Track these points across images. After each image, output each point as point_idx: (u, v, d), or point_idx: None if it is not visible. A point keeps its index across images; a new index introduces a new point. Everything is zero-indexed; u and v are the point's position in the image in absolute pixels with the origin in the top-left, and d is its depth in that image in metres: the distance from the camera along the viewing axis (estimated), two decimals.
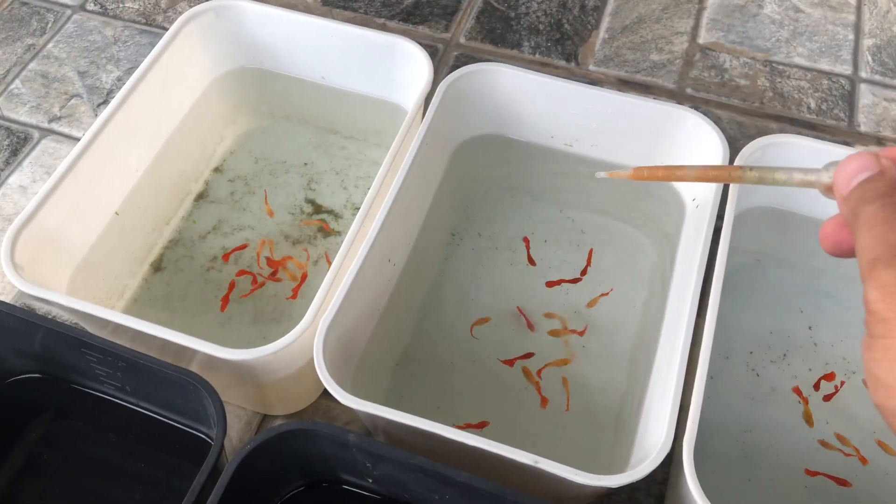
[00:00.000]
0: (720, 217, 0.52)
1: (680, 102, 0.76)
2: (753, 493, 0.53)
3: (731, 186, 0.52)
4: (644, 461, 0.41)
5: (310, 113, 0.66)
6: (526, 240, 0.61)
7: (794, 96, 0.76)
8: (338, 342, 0.47)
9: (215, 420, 0.41)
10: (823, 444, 0.54)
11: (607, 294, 0.59)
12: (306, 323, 0.45)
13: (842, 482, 0.52)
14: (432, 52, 0.79)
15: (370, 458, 0.42)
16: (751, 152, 0.53)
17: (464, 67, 0.57)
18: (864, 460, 0.53)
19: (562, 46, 0.79)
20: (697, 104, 0.75)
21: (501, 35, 0.80)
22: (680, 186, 0.60)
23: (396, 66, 0.59)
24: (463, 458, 0.43)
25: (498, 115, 0.60)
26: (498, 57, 0.78)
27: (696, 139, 0.55)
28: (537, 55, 0.78)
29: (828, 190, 0.33)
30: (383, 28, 0.80)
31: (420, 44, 0.59)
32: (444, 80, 0.55)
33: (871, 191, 0.28)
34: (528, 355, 0.57)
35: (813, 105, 0.75)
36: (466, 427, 0.53)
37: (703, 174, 0.37)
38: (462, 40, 0.79)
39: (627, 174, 0.38)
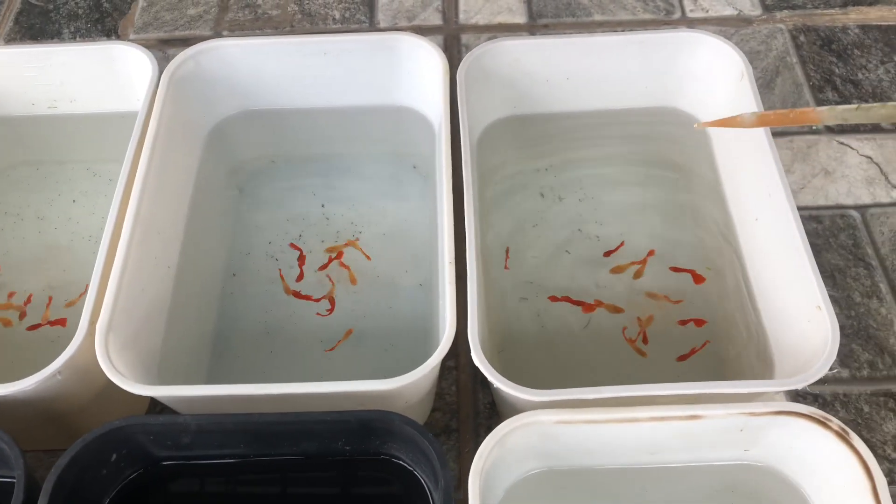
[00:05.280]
0: None
1: None
2: (275, 363, 0.58)
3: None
4: None
5: None
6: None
7: (321, 13, 0.82)
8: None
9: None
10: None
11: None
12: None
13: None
14: None
15: None
16: (177, 66, 0.58)
17: None
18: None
19: (102, 25, 0.82)
20: None
21: (41, 29, 0.81)
22: None
23: None
24: None
25: None
26: None
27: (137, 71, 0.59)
28: (78, 38, 0.81)
29: None
30: None
31: None
32: None
33: None
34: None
35: (338, 16, 0.81)
36: None
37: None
38: (1, 43, 0.81)
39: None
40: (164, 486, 0.46)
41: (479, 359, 0.44)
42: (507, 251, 0.60)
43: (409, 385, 0.44)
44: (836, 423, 0.41)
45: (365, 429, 0.43)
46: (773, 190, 0.51)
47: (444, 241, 0.49)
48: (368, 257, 0.61)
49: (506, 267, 0.60)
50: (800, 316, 0.46)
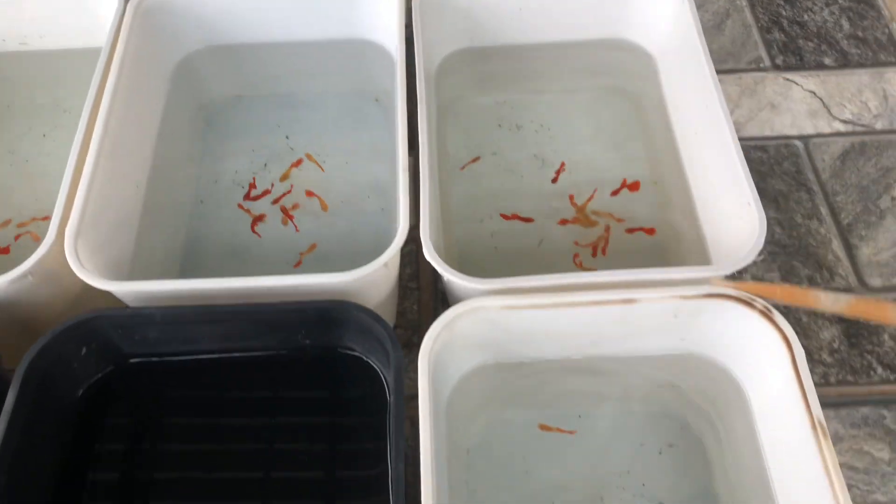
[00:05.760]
0: None
1: None
2: None
3: None
4: None
5: None
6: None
7: None
8: None
9: None
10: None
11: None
12: None
13: None
14: None
15: None
16: None
17: None
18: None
19: None
20: None
21: None
22: None
23: None
24: None
25: None
26: None
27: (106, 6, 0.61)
28: None
29: None
30: None
31: None
32: None
33: None
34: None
35: None
36: None
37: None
38: None
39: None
40: (133, 383, 0.49)
41: (429, 253, 0.47)
42: (469, 161, 0.64)
43: (365, 278, 0.46)
44: (760, 302, 0.44)
45: (323, 319, 0.46)
46: (709, 102, 0.54)
47: (399, 150, 0.51)
48: (321, 167, 0.64)
49: (462, 168, 0.63)
50: (732, 214, 0.49)
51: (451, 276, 0.46)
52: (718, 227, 0.51)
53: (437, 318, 0.44)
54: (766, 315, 0.44)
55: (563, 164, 0.63)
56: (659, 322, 0.47)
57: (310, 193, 0.63)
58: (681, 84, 0.60)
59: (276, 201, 0.63)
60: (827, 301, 0.37)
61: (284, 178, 0.63)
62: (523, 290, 0.45)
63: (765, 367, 0.45)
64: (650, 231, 0.59)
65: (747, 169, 0.49)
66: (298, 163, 0.64)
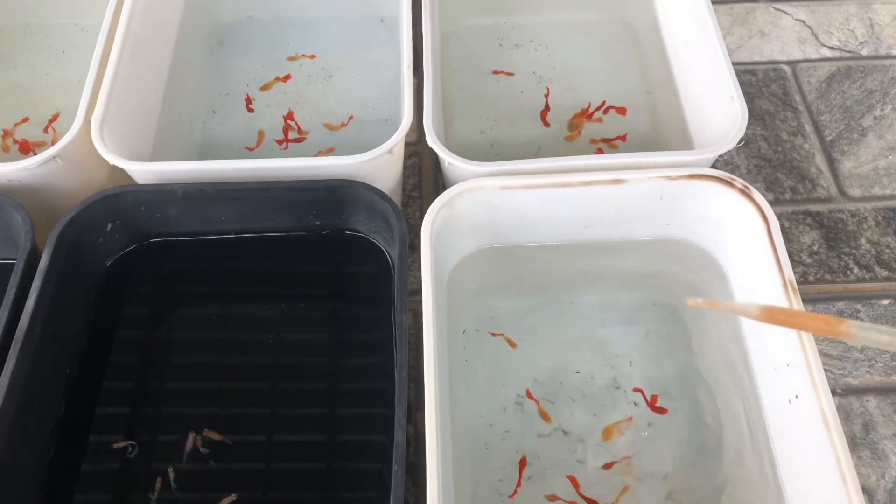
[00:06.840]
0: None
1: None
2: None
3: None
4: None
5: None
6: None
7: None
8: None
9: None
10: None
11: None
12: None
13: None
14: None
15: None
16: None
17: None
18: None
19: None
20: None
21: None
22: None
23: None
24: None
25: None
26: None
27: None
28: None
29: None
30: None
31: None
32: None
33: None
34: None
35: None
36: None
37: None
38: None
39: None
40: (155, 261, 0.52)
41: (432, 139, 0.50)
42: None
43: (372, 162, 0.49)
44: (739, 181, 0.48)
45: (332, 198, 0.49)
46: (699, 13, 0.56)
47: (403, 49, 0.54)
48: (313, 56, 0.68)
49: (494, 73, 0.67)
50: (717, 110, 0.52)
51: (452, 160, 0.49)
52: (704, 127, 0.54)
53: (439, 196, 0.48)
54: (745, 193, 0.47)
55: (548, 91, 0.66)
56: (646, 206, 0.50)
57: (317, 106, 0.67)
58: (675, 9, 0.63)
59: (287, 115, 0.66)
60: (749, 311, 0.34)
61: (287, 79, 0.67)
62: (518, 172, 0.49)
63: (743, 244, 0.49)
64: (623, 138, 0.62)
65: (731, 67, 0.52)
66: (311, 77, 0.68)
